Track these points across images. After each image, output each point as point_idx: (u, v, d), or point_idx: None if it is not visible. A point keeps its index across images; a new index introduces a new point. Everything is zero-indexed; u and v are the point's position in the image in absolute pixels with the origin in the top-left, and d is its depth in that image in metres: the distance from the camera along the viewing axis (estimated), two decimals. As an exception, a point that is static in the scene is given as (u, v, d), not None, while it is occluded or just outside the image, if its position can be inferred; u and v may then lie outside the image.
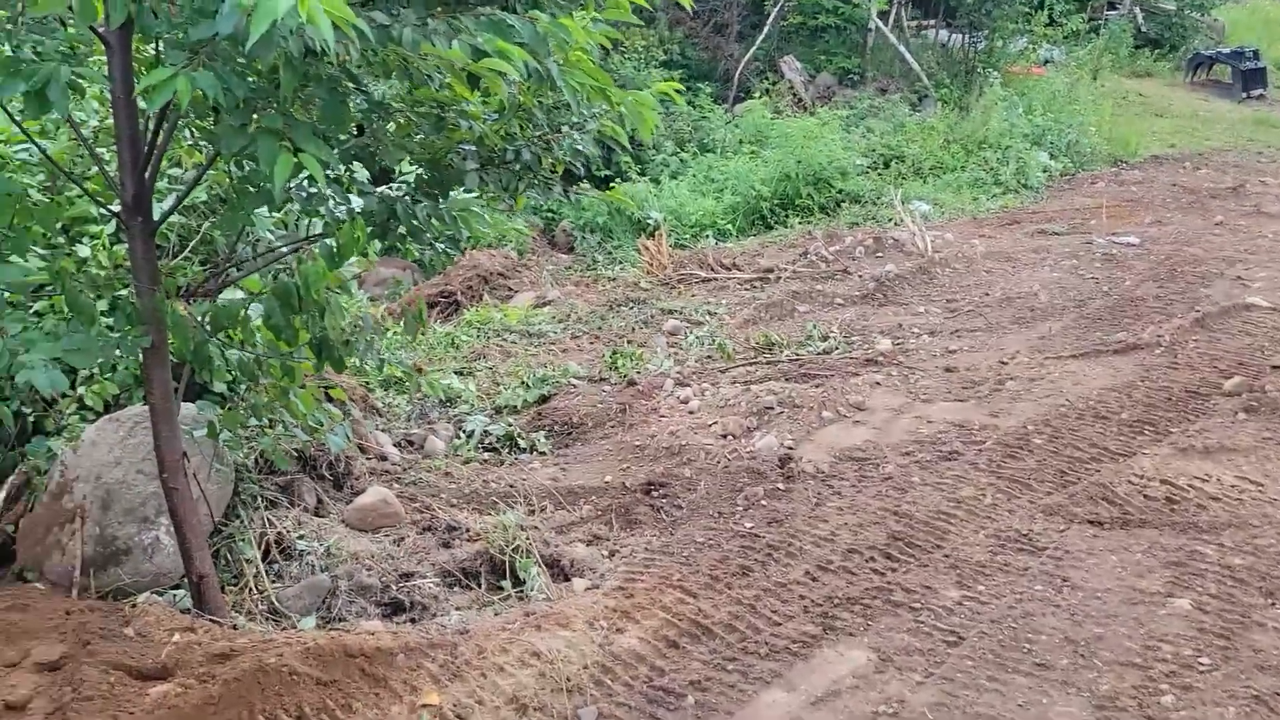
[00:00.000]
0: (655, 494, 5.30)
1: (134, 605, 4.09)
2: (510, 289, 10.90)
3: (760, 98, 15.15)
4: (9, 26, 2.81)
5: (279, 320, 3.32)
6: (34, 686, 3.57)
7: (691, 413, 6.48)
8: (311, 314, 3.35)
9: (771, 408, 6.27)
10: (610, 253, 11.62)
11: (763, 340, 7.67)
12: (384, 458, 6.20)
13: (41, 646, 3.78)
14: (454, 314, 10.03)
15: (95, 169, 4.67)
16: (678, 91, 3.86)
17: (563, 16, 3.08)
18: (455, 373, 7.84)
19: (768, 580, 4.32)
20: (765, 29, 16.54)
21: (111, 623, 3.92)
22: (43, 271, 3.93)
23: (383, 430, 6.62)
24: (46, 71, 2.62)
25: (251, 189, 3.68)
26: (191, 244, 5.18)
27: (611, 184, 12.79)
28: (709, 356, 7.66)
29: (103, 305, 4.08)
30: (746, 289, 9.40)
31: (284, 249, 4.24)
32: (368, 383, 7.12)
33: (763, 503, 5.03)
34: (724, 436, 5.96)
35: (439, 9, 2.97)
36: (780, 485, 5.21)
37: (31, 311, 4.58)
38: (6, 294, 3.04)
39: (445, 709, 3.52)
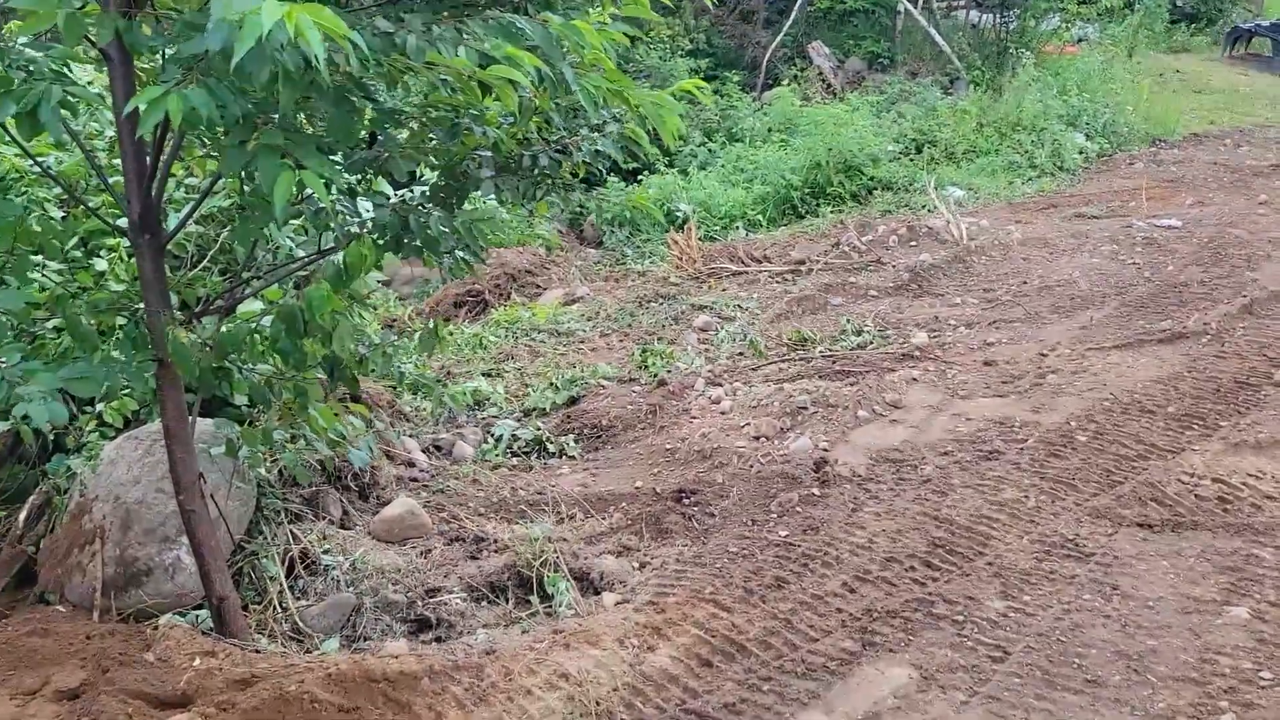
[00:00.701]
0: (686, 501, 5.16)
1: (155, 628, 4.02)
2: (538, 286, 10.79)
3: (789, 85, 14.93)
4: (2, 43, 2.72)
5: (285, 344, 3.22)
6: (53, 716, 3.50)
7: (723, 413, 6.32)
8: (318, 337, 3.24)
9: (805, 407, 6.10)
10: (639, 246, 11.48)
11: (795, 336, 7.50)
12: (412, 464, 6.11)
13: (61, 673, 3.72)
14: (482, 313, 9.93)
15: (110, 181, 4.61)
16: (700, 88, 3.70)
17: (576, 18, 2.93)
18: (483, 374, 7.74)
19: (804, 592, 4.17)
20: (792, 15, 16.28)
21: (132, 647, 3.85)
22: (47, 293, 3.85)
23: (410, 436, 6.53)
24: (37, 92, 2.52)
25: (262, 201, 3.58)
26: (210, 254, 5.10)
27: (639, 176, 12.64)
28: (740, 354, 7.50)
29: (121, 320, 4.01)
30: (778, 282, 9.22)
31: (305, 258, 4.14)
32: (394, 387, 7.04)
33: (797, 509, 4.88)
34: (757, 438, 5.81)
35: (446, 14, 2.84)
36: (815, 490, 5.05)
37: (51, 327, 4.52)
38: (7, 320, 2.95)
39: (471, 736, 3.41)
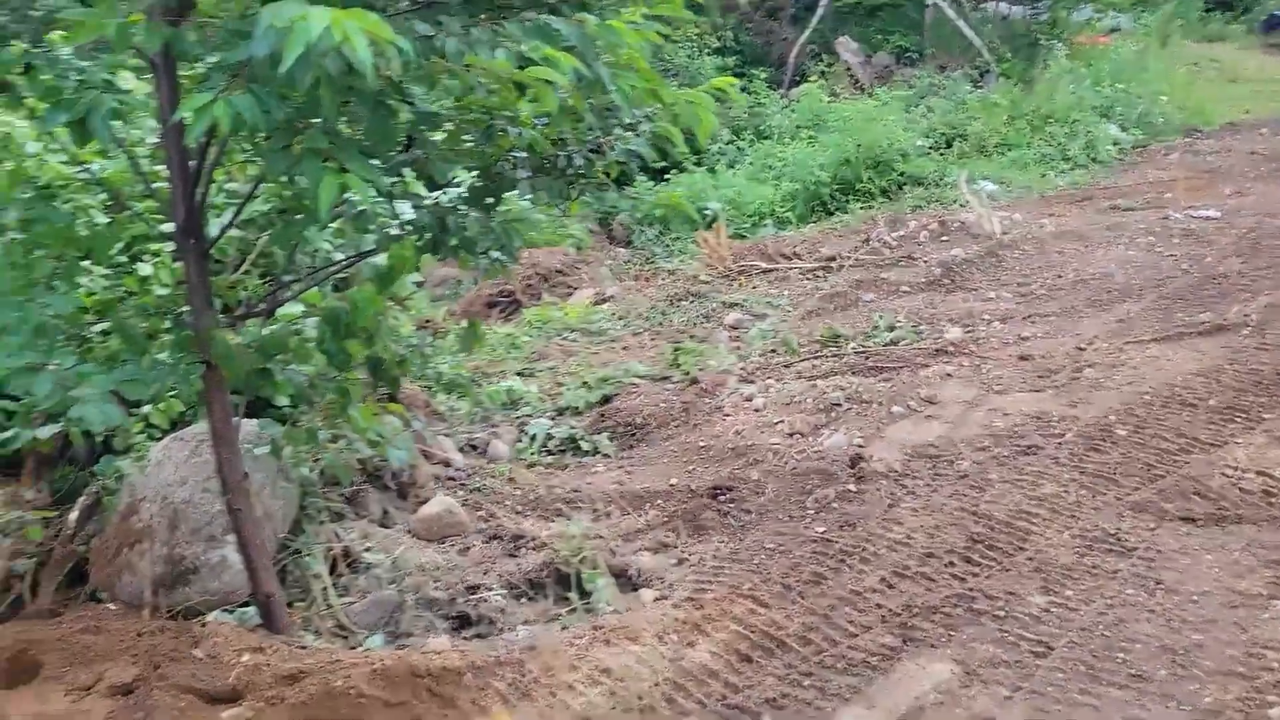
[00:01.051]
0: (722, 498, 5.17)
1: (203, 625, 4.09)
2: (569, 286, 10.84)
3: (816, 81, 14.88)
4: (52, 52, 2.78)
5: (330, 345, 3.27)
6: (107, 711, 3.56)
7: (757, 411, 6.33)
8: (361, 338, 3.28)
9: (839, 404, 6.09)
10: (668, 245, 11.49)
11: (827, 333, 7.48)
12: (448, 464, 6.17)
13: (114, 669, 3.79)
14: (514, 313, 9.99)
15: (154, 187, 4.69)
16: (731, 86, 3.74)
17: (611, 18, 2.95)
18: (517, 374, 7.79)
19: (842, 588, 4.17)
20: (819, 11, 16.23)
21: (182, 644, 3.92)
22: (94, 298, 3.93)
23: (446, 435, 6.59)
24: (88, 101, 2.58)
25: (303, 205, 3.64)
26: (251, 258, 5.17)
27: (667, 175, 12.65)
28: (772, 351, 7.50)
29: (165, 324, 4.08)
30: (809, 279, 9.20)
31: (344, 261, 4.20)
32: (429, 387, 7.10)
33: (833, 505, 4.88)
34: (791, 435, 5.81)
35: (483, 16, 2.87)
36: (851, 486, 5.04)
37: (99, 331, 4.60)
38: (58, 324, 3.02)
39: (514, 730, 3.45)
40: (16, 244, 3.01)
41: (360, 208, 3.21)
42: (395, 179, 3.62)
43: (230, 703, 3.60)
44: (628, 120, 3.71)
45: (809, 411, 6.06)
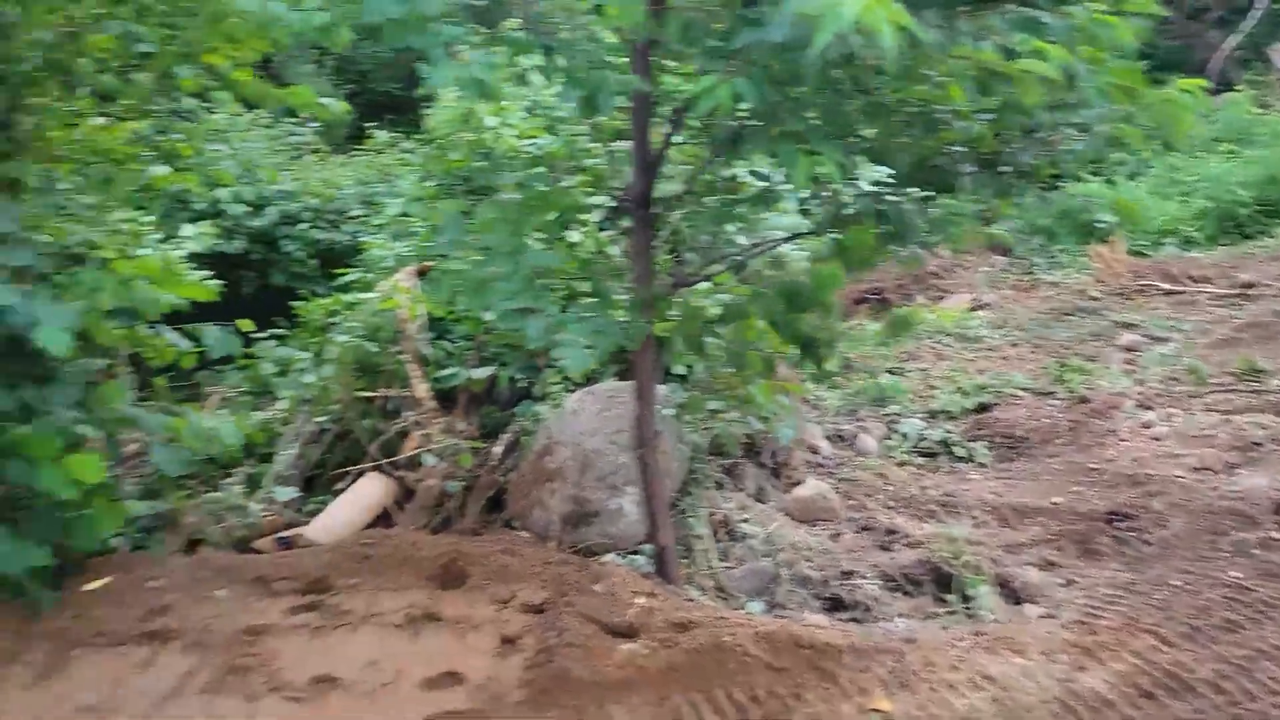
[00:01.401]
0: (1118, 525, 4.86)
1: (601, 564, 4.46)
2: (942, 290, 10.61)
3: (1242, 90, 13.40)
4: (564, 36, 3.14)
5: (781, 318, 3.43)
6: (522, 625, 4.00)
7: (1156, 439, 5.87)
8: (816, 313, 3.42)
9: (1260, 444, 5.51)
10: (1053, 256, 10.88)
11: (1245, 365, 6.77)
12: (816, 451, 6.27)
13: (527, 590, 4.23)
14: (882, 311, 9.92)
15: (588, 163, 5.16)
16: (1200, 87, 3.54)
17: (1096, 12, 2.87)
18: (887, 372, 7.75)
19: (1263, 641, 3.79)
20: (1255, 13, 14.58)
21: (584, 578, 4.30)
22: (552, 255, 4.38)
23: (815, 424, 6.70)
24: (596, 80, 2.89)
25: (712, 187, 3.86)
26: (664, 236, 5.54)
27: (1059, 183, 11.95)
28: (1174, 378, 6.91)
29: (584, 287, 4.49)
30: (1220, 305, 8.37)
31: (758, 246, 4.40)
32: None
33: (1253, 551, 4.43)
34: (1199, 470, 5.33)
35: (961, 9, 2.89)
36: (1275, 534, 4.55)
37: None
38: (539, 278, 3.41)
39: (895, 718, 3.47)
40: (510, 205, 3.44)
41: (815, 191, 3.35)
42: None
43: (627, 638, 3.91)
44: (1079, 120, 3.58)
45: (1222, 448, 5.53)
